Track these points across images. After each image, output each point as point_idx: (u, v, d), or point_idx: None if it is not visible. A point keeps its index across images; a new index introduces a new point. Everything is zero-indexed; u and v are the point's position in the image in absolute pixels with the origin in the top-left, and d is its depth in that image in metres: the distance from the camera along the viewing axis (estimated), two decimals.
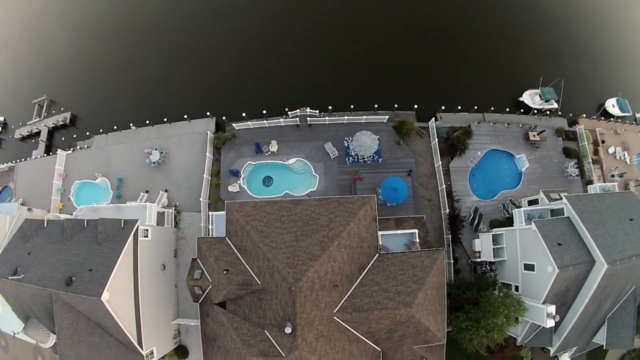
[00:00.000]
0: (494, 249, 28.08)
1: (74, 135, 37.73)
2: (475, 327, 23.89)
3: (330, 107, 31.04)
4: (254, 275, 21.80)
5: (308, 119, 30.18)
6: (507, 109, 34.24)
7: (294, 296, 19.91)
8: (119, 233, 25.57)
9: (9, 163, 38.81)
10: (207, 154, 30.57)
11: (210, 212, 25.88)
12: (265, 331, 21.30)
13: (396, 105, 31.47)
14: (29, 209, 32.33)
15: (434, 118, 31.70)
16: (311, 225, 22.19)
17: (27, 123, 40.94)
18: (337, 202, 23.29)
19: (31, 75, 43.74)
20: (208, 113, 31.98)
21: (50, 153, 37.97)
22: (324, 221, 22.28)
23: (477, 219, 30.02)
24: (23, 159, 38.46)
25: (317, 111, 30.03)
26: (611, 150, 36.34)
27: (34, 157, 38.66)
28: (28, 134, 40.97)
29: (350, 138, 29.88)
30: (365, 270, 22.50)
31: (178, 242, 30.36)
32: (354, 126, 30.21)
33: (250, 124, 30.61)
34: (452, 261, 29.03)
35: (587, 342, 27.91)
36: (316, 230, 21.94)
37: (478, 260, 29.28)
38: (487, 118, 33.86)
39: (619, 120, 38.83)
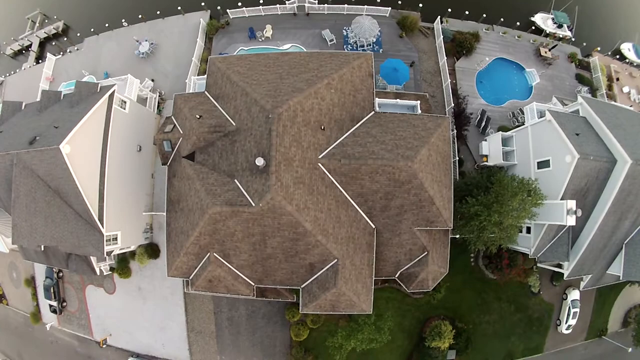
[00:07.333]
0: (503, 152, 25.38)
1: (65, 39, 36.39)
2: (487, 212, 20.47)
3: None
4: (228, 118, 19.35)
5: (306, 6, 28.50)
6: (518, 23, 32.31)
7: (271, 124, 17.15)
8: (93, 96, 23.81)
9: None
10: (197, 40, 28.89)
11: (193, 77, 23.75)
12: (235, 180, 18.34)
13: (400, 2, 29.72)
14: None
15: (439, 18, 29.72)
16: (299, 68, 19.90)
17: (19, 37, 39.76)
18: (329, 55, 21.17)
19: None
20: (203, 4, 30.47)
21: (40, 61, 36.53)
22: (313, 66, 19.99)
23: (484, 122, 27.39)
24: (12, 72, 37.07)
25: (316, 1, 28.42)
26: (625, 89, 34.15)
27: (23, 69, 37.32)
28: (19, 48, 39.68)
29: (349, 28, 27.98)
30: (359, 123, 19.93)
31: None
32: (354, 17, 28.26)
33: (246, 10, 29.05)
34: (457, 159, 26.17)
35: (602, 272, 25.01)
36: (304, 72, 19.61)
37: (485, 164, 26.42)
38: (496, 30, 31.89)
39: (634, 65, 36.74)
